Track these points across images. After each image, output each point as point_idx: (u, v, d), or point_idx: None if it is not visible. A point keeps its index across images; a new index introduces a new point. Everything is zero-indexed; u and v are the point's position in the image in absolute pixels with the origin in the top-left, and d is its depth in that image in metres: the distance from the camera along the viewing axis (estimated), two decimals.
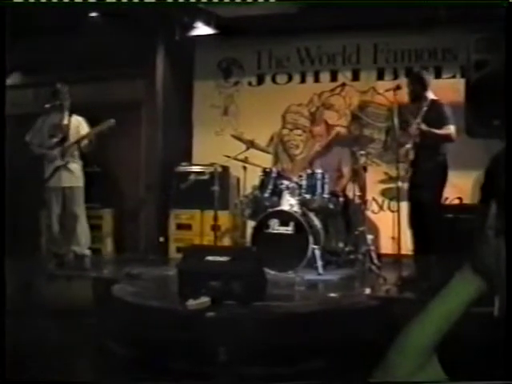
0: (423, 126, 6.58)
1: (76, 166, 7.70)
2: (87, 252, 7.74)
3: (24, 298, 6.41)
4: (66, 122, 7.69)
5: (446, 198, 7.05)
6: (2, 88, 4.40)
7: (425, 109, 6.65)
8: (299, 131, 9.31)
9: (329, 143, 8.16)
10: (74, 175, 7.68)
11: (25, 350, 4.82)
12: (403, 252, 6.62)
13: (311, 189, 7.39)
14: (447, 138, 6.59)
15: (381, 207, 8.76)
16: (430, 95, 6.75)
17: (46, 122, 7.73)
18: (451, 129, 6.53)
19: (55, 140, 7.66)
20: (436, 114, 6.57)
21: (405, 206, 6.95)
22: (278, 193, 7.46)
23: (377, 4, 7.08)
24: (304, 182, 7.41)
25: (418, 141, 6.66)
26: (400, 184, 7.10)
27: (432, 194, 6.59)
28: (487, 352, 1.24)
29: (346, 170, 7.96)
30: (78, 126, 7.73)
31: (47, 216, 7.80)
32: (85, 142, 7.65)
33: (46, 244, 8.16)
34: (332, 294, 5.98)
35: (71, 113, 7.74)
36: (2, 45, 3.90)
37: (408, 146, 6.68)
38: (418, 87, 6.80)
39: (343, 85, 9.09)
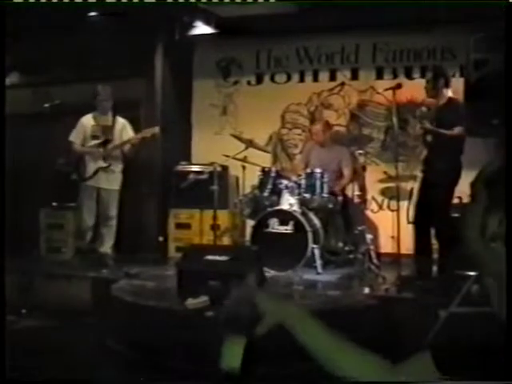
0: (427, 125, 6.56)
1: (117, 169, 7.81)
2: (109, 251, 7.82)
3: (23, 298, 6.42)
4: (110, 123, 7.76)
5: (452, 198, 7.04)
6: (2, 88, 4.40)
7: (424, 109, 6.64)
8: (298, 130, 9.32)
9: (326, 141, 8.14)
10: (113, 178, 7.81)
11: (24, 350, 4.81)
12: (403, 251, 6.62)
13: (310, 188, 7.38)
14: (452, 138, 6.51)
15: (380, 206, 8.76)
16: (449, 93, 6.67)
17: (90, 122, 7.78)
18: (459, 130, 6.42)
19: (97, 141, 7.72)
20: (452, 112, 6.45)
21: (404, 206, 6.97)
22: (277, 192, 7.45)
23: (376, 4, 7.09)
24: (303, 182, 7.41)
25: (430, 140, 6.63)
26: (399, 183, 7.12)
27: (444, 194, 6.55)
28: (487, 352, 1.24)
29: (347, 171, 7.95)
30: (122, 128, 7.85)
31: (79, 213, 7.85)
32: (128, 146, 7.71)
33: (73, 240, 8.23)
34: (331, 293, 5.99)
35: (115, 114, 7.80)
36: (2, 44, 3.90)
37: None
38: (440, 83, 6.69)
39: (342, 84, 9.09)
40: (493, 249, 1.25)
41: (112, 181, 7.80)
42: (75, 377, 4.58)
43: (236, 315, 1.47)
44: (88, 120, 7.83)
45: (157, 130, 7.66)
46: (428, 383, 1.36)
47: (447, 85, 6.71)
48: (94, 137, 7.78)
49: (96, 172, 7.69)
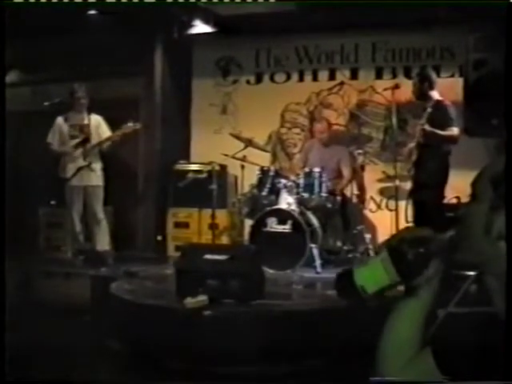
0: (427, 127, 6.61)
1: (97, 166, 7.80)
2: (107, 248, 7.80)
3: (22, 297, 6.41)
4: (86, 121, 7.77)
5: (444, 197, 7.07)
6: (2, 86, 4.40)
7: (429, 109, 6.70)
8: (297, 130, 9.31)
9: (326, 140, 8.14)
10: (95, 175, 7.79)
11: (23, 349, 4.81)
12: None
13: (309, 187, 7.38)
14: (450, 140, 6.63)
15: (379, 206, 8.76)
16: (436, 95, 6.79)
17: (66, 122, 7.77)
18: (454, 130, 6.55)
19: (77, 140, 7.72)
20: (440, 114, 6.61)
21: (403, 205, 6.98)
22: (275, 191, 7.44)
23: (376, 4, 7.09)
24: (302, 181, 7.40)
25: (421, 140, 6.70)
26: (398, 183, 7.12)
27: (433, 194, 6.62)
28: (487, 352, 1.23)
29: (346, 171, 7.94)
30: (98, 125, 7.83)
31: (69, 214, 7.84)
32: (108, 143, 7.71)
33: (71, 242, 8.22)
34: (330, 293, 5.98)
35: (90, 112, 7.82)
36: (2, 43, 3.89)
37: (411, 145, 6.76)
38: (425, 86, 6.83)
39: (341, 83, 9.09)
40: (498, 247, 1.25)
41: (94, 178, 7.78)
42: (73, 375, 4.57)
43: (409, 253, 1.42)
44: (63, 120, 7.81)
45: (138, 126, 7.66)
46: (429, 383, 1.36)
47: (431, 87, 6.82)
48: (73, 136, 7.77)
49: (77, 171, 7.67)
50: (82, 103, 7.77)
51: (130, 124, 7.63)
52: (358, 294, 1.45)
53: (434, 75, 7.12)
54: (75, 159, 7.69)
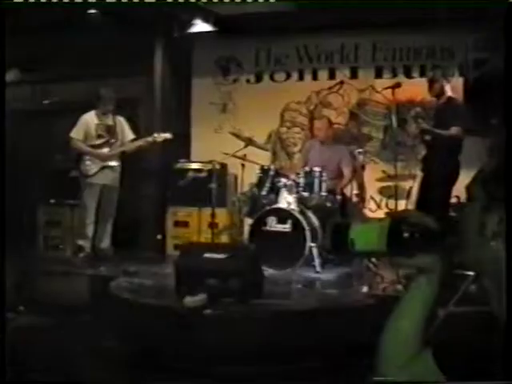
0: (424, 125, 6.59)
1: (118, 168, 7.85)
2: (108, 248, 7.85)
3: (21, 295, 6.41)
4: (112, 123, 7.84)
5: (450, 197, 7.06)
6: (2, 85, 4.40)
7: (418, 109, 6.70)
8: (297, 129, 9.32)
9: (326, 139, 8.13)
10: (116, 175, 7.84)
11: (22, 349, 4.81)
12: None
13: (309, 187, 7.37)
14: (451, 138, 6.58)
15: (378, 205, 8.76)
16: (449, 92, 6.76)
17: (94, 120, 7.80)
18: (455, 130, 6.49)
19: (103, 140, 7.75)
20: (451, 111, 6.53)
21: (402, 205, 6.98)
22: (275, 190, 7.44)
23: (376, 4, 7.09)
24: (302, 180, 7.39)
25: (428, 139, 6.68)
26: (398, 182, 7.12)
27: (442, 193, 6.60)
28: (487, 352, 1.24)
29: (346, 171, 7.92)
30: (123, 127, 7.89)
31: (81, 210, 7.85)
32: (134, 147, 7.80)
33: (73, 239, 8.23)
34: (329, 292, 5.99)
35: (114, 113, 7.89)
36: (2, 42, 3.89)
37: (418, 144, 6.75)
38: (444, 82, 6.77)
39: (341, 83, 9.10)
40: (491, 248, 1.26)
41: (114, 178, 7.84)
42: (72, 374, 4.57)
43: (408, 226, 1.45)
44: (91, 118, 7.81)
45: (169, 135, 7.71)
46: (429, 383, 1.36)
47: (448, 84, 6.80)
48: (99, 136, 7.79)
49: (100, 170, 7.69)
50: (109, 107, 7.80)
51: (162, 134, 7.77)
52: (345, 246, 1.48)
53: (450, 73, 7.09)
54: (102, 158, 7.72)
